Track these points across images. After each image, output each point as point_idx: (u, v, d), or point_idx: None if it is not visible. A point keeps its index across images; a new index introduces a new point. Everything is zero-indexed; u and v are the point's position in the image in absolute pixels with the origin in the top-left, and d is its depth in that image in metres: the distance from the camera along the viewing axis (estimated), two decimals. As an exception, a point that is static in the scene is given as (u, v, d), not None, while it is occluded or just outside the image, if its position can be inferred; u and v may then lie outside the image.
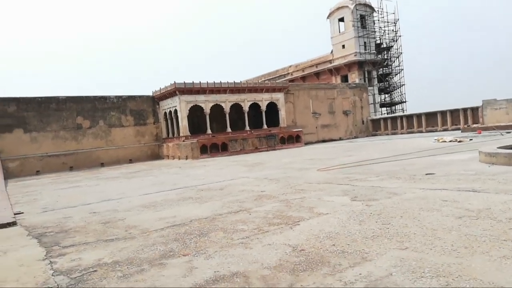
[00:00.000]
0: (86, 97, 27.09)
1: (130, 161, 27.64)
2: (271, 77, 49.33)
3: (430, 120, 32.41)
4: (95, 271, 3.75)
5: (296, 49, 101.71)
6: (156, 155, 29.12)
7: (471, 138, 18.50)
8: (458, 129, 29.54)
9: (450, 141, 17.99)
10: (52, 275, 3.72)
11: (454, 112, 30.72)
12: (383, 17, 41.18)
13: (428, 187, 6.57)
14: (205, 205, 6.99)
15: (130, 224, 5.85)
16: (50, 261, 4.23)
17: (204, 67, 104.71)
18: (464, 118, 29.96)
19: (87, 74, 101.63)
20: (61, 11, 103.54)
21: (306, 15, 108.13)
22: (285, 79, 46.19)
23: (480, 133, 23.09)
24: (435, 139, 19.35)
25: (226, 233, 4.73)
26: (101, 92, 28.40)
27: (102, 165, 26.46)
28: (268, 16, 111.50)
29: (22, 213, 8.08)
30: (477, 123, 28.73)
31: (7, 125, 24.11)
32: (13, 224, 6.75)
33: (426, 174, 8.10)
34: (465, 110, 29.97)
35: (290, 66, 49.34)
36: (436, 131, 31.16)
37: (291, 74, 48.28)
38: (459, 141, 17.37)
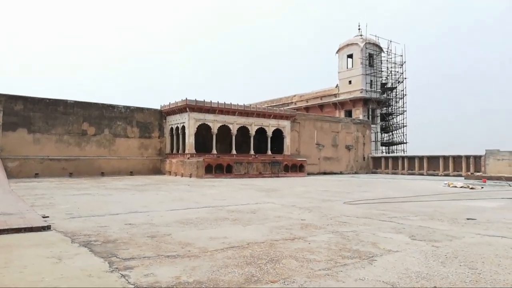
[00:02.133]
0: (94, 103, 26.82)
1: (131, 173, 27.12)
2: (274, 104, 49.64)
3: (432, 164, 32.67)
4: (181, 290, 3.47)
5: (298, 79, 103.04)
6: (157, 170, 28.65)
7: (482, 186, 18.55)
8: (460, 175, 29.77)
9: (461, 187, 18.00)
10: (135, 291, 3.43)
11: (457, 158, 31.04)
12: (391, 58, 42.20)
13: (483, 233, 6.42)
14: (249, 228, 6.72)
15: (182, 241, 5.55)
16: (121, 274, 3.92)
17: (206, 85, 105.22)
18: (466, 165, 30.25)
19: (89, 81, 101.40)
20: (71, 18, 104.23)
21: (312, 47, 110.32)
22: (288, 107, 46.47)
23: (485, 182, 23.22)
24: (445, 184, 19.36)
25: (300, 262, 4.47)
26: (99, 100, 28.01)
27: (103, 174, 25.90)
28: (274, 43, 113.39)
29: (48, 217, 7.68)
30: (479, 172, 28.95)
31: (11, 123, 23.63)
32: (47, 228, 6.38)
33: (468, 219, 7.96)
34: (467, 157, 30.31)
35: (294, 96, 49.86)
36: (438, 175, 31.34)
37: (295, 104, 48.70)
38: (471, 188, 17.38)
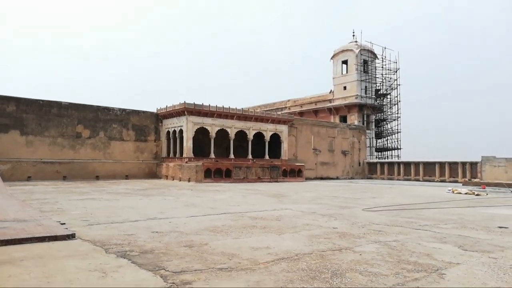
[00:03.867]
0: (89, 105, 26.17)
1: (126, 177, 26.49)
2: (268, 109, 49.39)
3: (428, 170, 32.82)
4: (260, 310, 3.11)
5: (292, 84, 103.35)
6: (153, 174, 28.07)
7: (487, 193, 18.57)
8: (456, 181, 29.95)
9: (466, 193, 17.97)
10: (211, 311, 3.06)
11: (453, 165, 31.24)
12: (385, 65, 42.45)
13: (529, 242, 6.22)
14: (285, 237, 6.38)
15: (224, 251, 5.19)
16: (182, 291, 3.55)
17: (198, 90, 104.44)
18: (462, 172, 30.46)
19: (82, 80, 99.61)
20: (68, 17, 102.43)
21: (306, 53, 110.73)
22: (282, 112, 46.30)
23: (485, 188, 23.32)
24: (449, 190, 19.33)
25: (366, 276, 4.16)
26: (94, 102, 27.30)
27: (97, 178, 25.22)
28: (267, 48, 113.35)
29: (64, 224, 7.21)
30: (475, 178, 29.17)
31: (3, 125, 22.87)
32: (72, 236, 5.94)
33: (500, 227, 7.78)
34: (464, 164, 30.53)
35: (288, 101, 49.76)
36: (434, 181, 31.48)
37: (289, 109, 48.60)
38: (477, 194, 17.35)
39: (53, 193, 14.63)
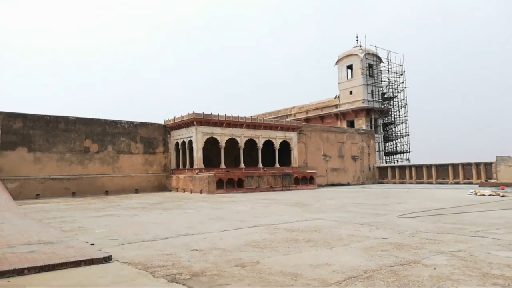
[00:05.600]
0: (96, 119, 25.72)
1: (136, 191, 25.96)
2: (272, 117, 48.88)
3: (441, 172, 32.24)
4: None
5: (295, 91, 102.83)
6: (162, 187, 27.52)
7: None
8: (471, 183, 29.39)
9: (490, 194, 17.45)
10: None
11: (466, 166, 30.68)
12: (390, 68, 42.08)
13: None
14: (339, 251, 5.86)
15: (283, 271, 4.68)
16: (265, 323, 3.04)
17: (200, 99, 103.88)
18: (477, 173, 29.88)
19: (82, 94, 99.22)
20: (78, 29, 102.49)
21: (307, 59, 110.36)
22: (287, 119, 45.87)
23: (504, 188, 22.75)
24: (471, 192, 18.80)
25: (460, 295, 3.65)
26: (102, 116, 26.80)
27: (107, 193, 24.68)
28: (267, 54, 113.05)
29: (93, 244, 6.70)
30: (490, 179, 28.59)
31: (10, 142, 22.36)
32: (108, 259, 5.43)
33: (559, 231, 7.27)
34: (478, 164, 29.97)
35: (293, 108, 49.32)
36: (447, 183, 30.89)
37: (294, 115, 48.11)
38: (502, 196, 16.81)
39: (67, 210, 14.11)
